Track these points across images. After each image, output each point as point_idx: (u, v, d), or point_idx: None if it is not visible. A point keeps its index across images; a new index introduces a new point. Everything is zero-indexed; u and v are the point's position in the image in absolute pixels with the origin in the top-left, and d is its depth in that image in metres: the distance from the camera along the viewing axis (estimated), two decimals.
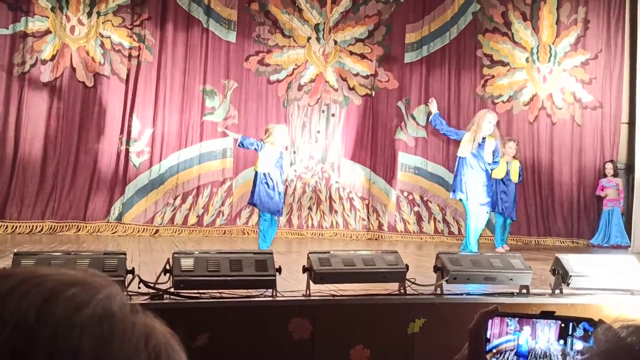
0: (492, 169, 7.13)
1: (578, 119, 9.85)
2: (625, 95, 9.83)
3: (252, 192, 6.39)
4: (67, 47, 8.25)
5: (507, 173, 7.98)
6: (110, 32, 8.42)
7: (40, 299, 0.52)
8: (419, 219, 9.33)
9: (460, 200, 7.14)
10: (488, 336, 0.93)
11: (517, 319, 1.01)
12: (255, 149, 6.44)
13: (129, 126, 8.40)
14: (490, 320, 0.92)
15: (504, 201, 7.93)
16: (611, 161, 9.58)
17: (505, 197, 7.95)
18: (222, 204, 8.69)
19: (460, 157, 7.05)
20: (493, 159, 7.05)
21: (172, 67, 8.62)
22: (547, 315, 1.00)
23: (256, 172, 6.40)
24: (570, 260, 3.85)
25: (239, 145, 6.79)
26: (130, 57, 8.49)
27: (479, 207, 6.90)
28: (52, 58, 8.17)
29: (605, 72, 9.87)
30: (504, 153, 7.73)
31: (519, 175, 8.19)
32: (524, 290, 3.77)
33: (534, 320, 1.03)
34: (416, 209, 9.35)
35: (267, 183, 6.26)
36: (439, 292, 3.65)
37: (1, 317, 0.51)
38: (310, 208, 9.03)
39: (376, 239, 9.03)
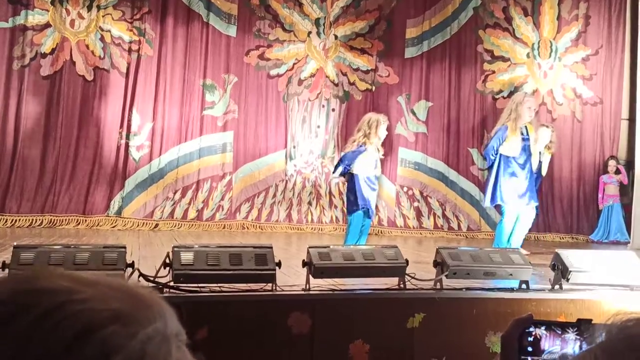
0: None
1: (578, 115, 9.84)
2: (626, 91, 9.82)
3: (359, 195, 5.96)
4: (67, 40, 8.23)
5: (539, 165, 7.05)
6: (110, 25, 8.40)
7: (73, 334, 0.49)
8: (419, 214, 9.33)
9: (499, 205, 6.09)
10: (526, 343, 0.91)
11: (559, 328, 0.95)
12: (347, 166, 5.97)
13: (129, 120, 8.39)
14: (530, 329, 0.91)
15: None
16: (614, 157, 9.56)
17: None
18: (222, 199, 8.69)
19: (502, 156, 5.84)
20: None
21: (172, 61, 8.61)
22: (585, 322, 0.94)
23: (356, 175, 5.99)
24: (570, 256, 3.85)
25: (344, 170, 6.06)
26: (130, 50, 8.47)
27: (524, 208, 5.87)
28: (52, 51, 8.15)
29: (606, 68, 9.85)
30: (535, 141, 6.81)
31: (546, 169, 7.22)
32: (524, 286, 3.76)
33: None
34: (416, 204, 9.35)
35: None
36: (438, 287, 3.65)
37: (30, 339, 0.49)
38: (310, 203, 9.03)
39: (376, 234, 9.03)
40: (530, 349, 0.90)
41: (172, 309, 0.59)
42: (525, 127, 5.86)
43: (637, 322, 0.73)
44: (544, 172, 7.06)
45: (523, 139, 5.80)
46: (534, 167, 6.66)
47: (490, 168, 5.90)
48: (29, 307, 0.51)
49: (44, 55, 8.12)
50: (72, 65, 8.23)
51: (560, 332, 0.92)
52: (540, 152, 6.81)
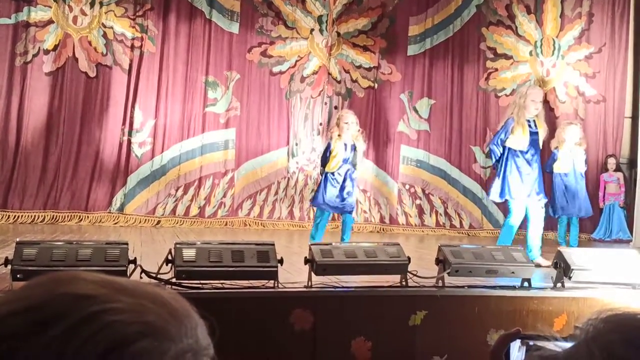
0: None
1: (581, 112, 9.82)
2: (629, 89, 9.79)
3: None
4: (70, 37, 8.23)
5: (573, 164, 6.88)
6: (113, 22, 8.40)
7: (105, 346, 0.49)
8: (421, 211, 9.33)
9: (506, 201, 5.89)
10: (511, 358, 0.91)
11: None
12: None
13: (131, 117, 8.40)
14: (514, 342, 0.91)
15: (566, 197, 6.91)
16: (613, 155, 9.55)
17: (567, 192, 6.90)
18: (224, 196, 8.70)
19: (511, 150, 5.65)
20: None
21: (174, 58, 8.61)
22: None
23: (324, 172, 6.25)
24: (573, 254, 3.85)
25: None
26: (132, 47, 8.47)
27: (531, 204, 5.66)
28: (55, 48, 8.16)
29: (609, 66, 9.82)
30: (564, 140, 6.68)
31: (585, 164, 7.15)
32: (526, 284, 3.77)
33: None
34: (418, 201, 9.34)
35: None
36: (440, 284, 3.65)
37: (63, 349, 0.48)
38: None
39: (378, 231, 9.03)
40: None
41: (203, 321, 0.59)
42: (534, 120, 5.64)
43: (623, 314, 0.74)
44: (581, 167, 6.98)
45: (531, 133, 5.58)
46: (569, 168, 6.68)
47: (498, 162, 5.74)
48: (63, 314, 0.50)
49: (46, 52, 8.12)
50: (75, 62, 8.24)
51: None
52: (570, 150, 6.87)
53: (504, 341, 0.91)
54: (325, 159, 6.19)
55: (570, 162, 6.91)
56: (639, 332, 0.71)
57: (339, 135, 6.10)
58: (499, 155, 5.69)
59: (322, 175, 6.28)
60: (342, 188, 6.06)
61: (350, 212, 6.25)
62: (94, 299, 0.51)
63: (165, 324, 0.52)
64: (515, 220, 5.66)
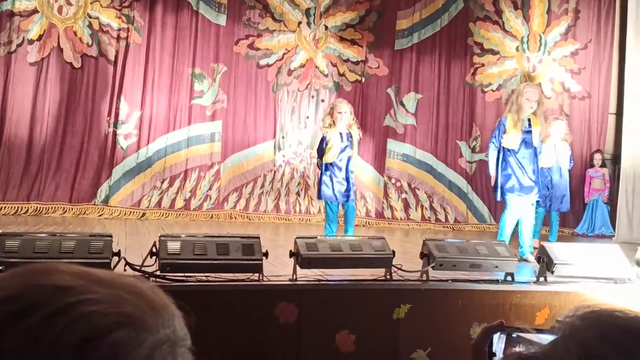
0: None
1: (566, 108, 9.89)
2: (614, 85, 9.88)
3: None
4: (55, 27, 8.15)
5: (557, 160, 6.97)
6: (99, 12, 8.32)
7: (81, 337, 0.48)
8: (407, 206, 9.36)
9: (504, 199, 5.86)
10: (494, 350, 0.92)
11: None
12: None
13: (117, 108, 8.34)
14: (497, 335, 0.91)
15: (549, 191, 6.94)
16: (599, 151, 9.64)
17: (549, 187, 6.91)
18: (210, 188, 8.67)
19: (505, 150, 5.64)
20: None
21: (160, 49, 8.55)
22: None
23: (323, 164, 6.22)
24: (555, 249, 3.89)
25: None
26: (118, 38, 8.40)
27: (523, 203, 5.65)
28: (39, 38, 8.07)
29: (594, 62, 9.90)
30: (549, 135, 6.64)
31: (570, 161, 7.22)
32: (509, 278, 3.80)
33: None
34: (404, 196, 9.37)
35: None
36: (424, 278, 3.67)
37: (38, 340, 0.48)
38: (298, 194, 9.03)
39: (363, 225, 9.05)
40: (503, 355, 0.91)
41: (181, 313, 0.59)
42: (529, 119, 5.62)
43: (600, 311, 0.75)
44: (565, 163, 7.01)
45: (524, 132, 5.57)
46: (552, 162, 6.64)
47: (497, 164, 5.70)
48: (39, 305, 0.50)
49: (31, 42, 8.03)
50: (60, 52, 8.15)
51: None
52: (554, 145, 6.88)
53: (486, 333, 0.91)
54: (321, 150, 6.16)
55: (554, 157, 6.94)
56: (616, 328, 0.71)
57: (333, 125, 6.08)
58: (496, 156, 5.65)
59: (320, 168, 6.23)
60: (344, 178, 6.06)
61: (352, 201, 6.24)
62: (71, 290, 0.51)
63: (142, 315, 0.52)
64: (510, 216, 5.62)
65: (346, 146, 6.08)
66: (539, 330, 0.93)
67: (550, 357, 0.73)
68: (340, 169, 6.05)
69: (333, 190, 6.04)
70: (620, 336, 0.70)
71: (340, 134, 6.08)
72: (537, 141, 5.66)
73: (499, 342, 0.92)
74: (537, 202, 6.57)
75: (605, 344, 0.69)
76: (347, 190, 6.07)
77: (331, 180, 6.04)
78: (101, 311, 0.50)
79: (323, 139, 6.17)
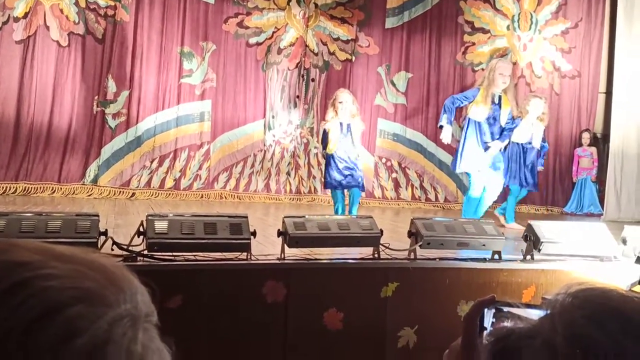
0: (509, 135, 5.84)
1: (557, 87, 9.89)
2: (604, 64, 9.88)
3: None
4: (41, 4, 8.03)
5: (531, 137, 6.86)
6: None
7: (37, 312, 0.48)
8: (397, 185, 9.38)
9: (467, 174, 5.99)
10: (485, 324, 0.92)
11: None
12: None
13: (105, 87, 8.26)
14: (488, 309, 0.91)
15: (521, 170, 6.89)
16: (587, 130, 9.67)
17: (523, 165, 6.89)
18: (200, 168, 8.65)
19: (470, 120, 5.66)
20: (505, 125, 5.69)
21: (149, 27, 8.45)
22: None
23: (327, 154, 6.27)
24: (542, 227, 3.91)
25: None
26: (106, 16, 8.29)
27: (488, 176, 5.70)
28: (25, 16, 7.95)
29: (585, 41, 9.88)
30: (527, 112, 6.60)
31: (543, 140, 7.14)
32: (496, 256, 3.82)
33: None
34: (394, 175, 9.39)
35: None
36: (412, 256, 3.68)
37: None
38: (288, 173, 9.02)
39: None
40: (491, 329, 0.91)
41: (145, 288, 0.58)
42: (499, 96, 5.61)
43: (592, 290, 0.73)
44: (536, 143, 6.96)
45: (493, 107, 5.56)
46: (526, 139, 6.59)
47: (462, 133, 5.78)
48: None
49: (16, 20, 7.92)
50: (46, 30, 8.05)
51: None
52: (532, 124, 6.81)
53: (478, 307, 0.91)
54: (325, 141, 6.19)
55: (529, 134, 6.85)
56: (605, 310, 0.70)
57: (335, 115, 6.05)
58: (452, 117, 5.74)
59: (325, 158, 6.33)
60: (346, 167, 6.07)
61: (359, 186, 6.21)
62: (28, 266, 0.51)
63: (102, 290, 0.51)
64: (475, 192, 5.69)
65: (345, 136, 6.07)
66: (530, 306, 0.93)
67: (535, 333, 0.72)
68: (342, 159, 6.05)
69: (336, 179, 6.07)
70: (608, 318, 0.69)
71: (341, 124, 6.07)
72: (504, 121, 5.62)
73: (489, 317, 0.93)
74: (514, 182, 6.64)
75: (593, 325, 0.68)
76: (351, 177, 6.07)
77: (334, 170, 6.07)
78: (59, 286, 0.50)
79: (324, 131, 6.18)
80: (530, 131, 6.83)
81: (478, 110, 5.59)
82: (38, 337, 0.48)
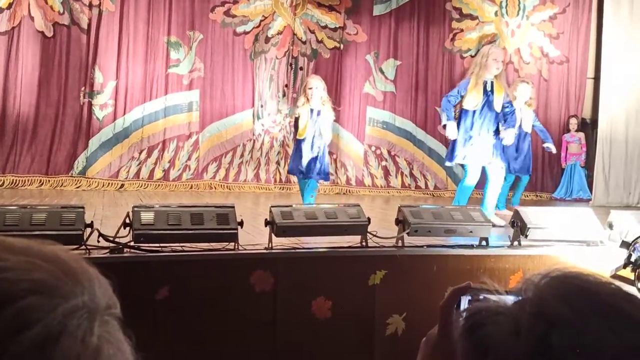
0: (513, 120, 5.69)
1: (545, 73, 9.91)
2: (592, 50, 9.89)
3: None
4: None
5: (520, 122, 6.81)
6: None
7: None
8: (387, 173, 9.38)
9: (462, 166, 5.82)
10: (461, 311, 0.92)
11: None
12: None
13: (91, 78, 8.19)
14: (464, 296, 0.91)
15: (515, 157, 6.95)
16: (574, 116, 9.71)
17: (515, 152, 6.90)
18: (189, 159, 8.61)
19: (464, 111, 5.57)
20: (503, 110, 5.58)
21: (135, 17, 8.37)
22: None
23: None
24: (529, 213, 3.93)
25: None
26: (91, 6, 8.21)
27: (490, 167, 5.57)
28: (9, 6, 7.86)
29: (573, 26, 9.89)
30: (514, 98, 6.50)
31: (535, 126, 7.16)
32: (483, 243, 3.83)
33: None
34: (384, 163, 9.39)
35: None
36: (400, 244, 3.69)
37: None
38: (278, 163, 9.00)
39: (344, 193, 9.07)
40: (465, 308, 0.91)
41: (106, 281, 0.57)
42: (491, 82, 5.55)
43: (568, 273, 0.73)
44: (527, 127, 6.95)
45: (485, 94, 5.47)
46: (517, 124, 6.40)
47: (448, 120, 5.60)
48: None
49: (0, 10, 7.82)
50: (31, 21, 7.96)
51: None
52: (520, 109, 6.74)
53: (454, 295, 0.91)
54: (295, 126, 6.22)
55: (518, 119, 6.86)
56: (576, 289, 0.70)
57: (307, 102, 6.06)
58: (452, 113, 5.57)
59: (294, 144, 6.36)
60: (311, 156, 6.04)
61: (323, 178, 6.20)
62: None
63: (56, 282, 0.51)
64: (470, 181, 5.58)
65: (315, 122, 6.04)
66: (507, 292, 0.93)
67: (504, 309, 0.72)
68: (308, 145, 6.04)
69: (298, 165, 6.08)
70: (577, 296, 0.69)
71: (312, 110, 6.05)
72: (499, 107, 5.55)
73: (465, 304, 0.93)
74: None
75: (561, 302, 0.68)
76: (314, 166, 6.04)
77: (297, 155, 6.10)
78: (11, 278, 0.49)
79: (296, 116, 6.21)
80: (519, 116, 6.77)
81: (470, 99, 5.50)
82: None
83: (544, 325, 0.66)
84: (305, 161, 6.03)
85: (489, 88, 5.52)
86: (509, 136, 5.58)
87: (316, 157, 6.05)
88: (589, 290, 0.69)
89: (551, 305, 0.68)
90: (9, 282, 0.49)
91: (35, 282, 0.50)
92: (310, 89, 6.06)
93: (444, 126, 5.78)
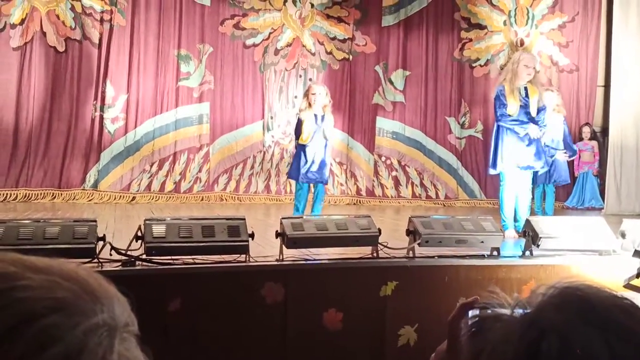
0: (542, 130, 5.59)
1: (555, 82, 9.87)
2: (601, 58, 9.86)
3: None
4: (37, 10, 8.04)
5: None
6: None
7: (12, 323, 0.48)
8: (397, 183, 9.37)
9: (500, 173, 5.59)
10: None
11: None
12: None
13: (103, 92, 8.27)
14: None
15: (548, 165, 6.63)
16: (587, 124, 9.66)
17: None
18: (200, 171, 8.65)
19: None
20: (537, 118, 5.47)
21: (145, 31, 8.46)
22: None
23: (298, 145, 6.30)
24: (541, 222, 3.91)
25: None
26: (102, 21, 8.31)
27: (519, 175, 5.46)
28: (22, 22, 7.97)
29: (582, 35, 9.87)
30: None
31: (565, 132, 7.04)
32: (495, 253, 3.82)
33: None
34: (394, 173, 9.38)
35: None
36: (411, 255, 3.69)
37: None
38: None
39: (354, 203, 9.07)
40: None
41: (124, 298, 0.58)
42: (525, 88, 5.42)
43: (571, 283, 0.74)
44: (558, 136, 6.89)
45: (521, 100, 5.38)
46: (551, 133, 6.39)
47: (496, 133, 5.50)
48: None
49: (13, 26, 7.93)
50: (43, 36, 8.06)
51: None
52: (548, 117, 6.45)
53: (462, 310, 0.92)
54: (298, 131, 6.21)
55: (549, 128, 6.84)
56: (573, 298, 0.70)
57: (309, 107, 6.11)
58: (512, 122, 5.41)
59: (296, 149, 6.33)
60: (315, 159, 6.08)
61: (324, 183, 6.28)
62: (3, 277, 0.51)
63: (77, 300, 0.52)
64: (508, 190, 5.45)
65: (318, 128, 6.09)
66: (516, 306, 0.93)
67: (500, 319, 0.73)
68: (310, 151, 6.07)
69: (302, 172, 6.09)
70: (571, 304, 0.69)
71: (315, 115, 6.10)
72: (534, 111, 5.48)
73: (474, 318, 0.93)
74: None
75: (555, 309, 0.68)
76: (318, 172, 6.09)
77: (299, 161, 6.11)
78: (34, 297, 0.50)
79: (299, 121, 6.21)
80: (552, 123, 6.70)
81: (509, 107, 5.39)
82: (10, 347, 0.48)
83: (535, 332, 0.67)
84: (309, 167, 6.05)
85: (523, 94, 5.44)
86: (532, 130, 5.44)
87: (322, 162, 6.10)
88: (587, 300, 0.70)
89: (546, 314, 0.69)
90: (32, 300, 0.50)
91: (57, 300, 0.51)
92: (314, 94, 6.12)
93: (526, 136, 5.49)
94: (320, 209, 6.18)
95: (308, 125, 6.07)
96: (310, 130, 6.06)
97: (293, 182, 8.95)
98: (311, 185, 6.22)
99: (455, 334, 0.90)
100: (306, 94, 6.25)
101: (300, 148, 6.15)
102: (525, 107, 5.43)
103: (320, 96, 6.11)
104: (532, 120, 5.48)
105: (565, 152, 7.21)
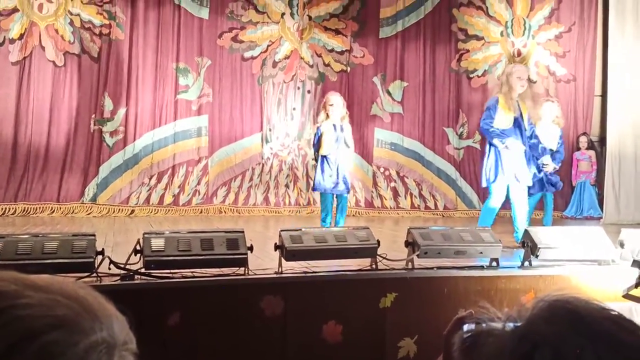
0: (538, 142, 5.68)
1: (552, 92, 9.91)
2: (598, 67, 9.91)
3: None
4: (36, 25, 8.08)
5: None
6: (80, 9, 8.26)
7: (13, 340, 0.49)
8: (396, 194, 9.38)
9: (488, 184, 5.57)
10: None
11: None
12: None
13: (102, 106, 8.29)
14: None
15: (541, 175, 6.77)
16: (585, 134, 9.69)
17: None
18: (198, 183, 8.66)
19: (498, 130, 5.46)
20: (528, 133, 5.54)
21: (144, 45, 8.49)
22: None
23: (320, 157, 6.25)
24: (539, 233, 3.91)
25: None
26: (101, 35, 8.34)
27: (513, 187, 5.44)
28: (21, 37, 8.00)
29: (579, 45, 9.92)
30: (540, 117, 6.40)
31: (558, 144, 7.05)
32: (494, 263, 3.82)
33: None
34: (393, 184, 9.39)
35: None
36: (410, 266, 3.68)
37: None
38: (287, 186, 9.03)
39: (353, 215, 9.07)
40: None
41: (123, 317, 0.59)
42: (517, 101, 5.43)
43: (561, 296, 0.75)
44: (553, 146, 6.89)
45: (515, 113, 5.40)
46: (546, 144, 6.50)
47: (491, 143, 5.48)
48: None
49: (12, 41, 7.96)
50: (42, 51, 8.09)
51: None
52: (546, 128, 6.70)
53: (457, 324, 0.92)
54: (318, 143, 6.23)
55: (546, 139, 6.83)
56: (562, 311, 0.71)
57: (327, 118, 6.15)
58: (496, 137, 5.40)
59: (316, 161, 6.35)
60: (339, 170, 6.13)
61: (347, 191, 6.33)
62: (4, 295, 0.52)
63: (77, 318, 0.53)
64: (494, 202, 5.45)
65: (338, 138, 6.14)
66: (510, 319, 0.94)
67: (493, 333, 0.74)
68: (333, 161, 6.11)
69: (326, 183, 6.11)
70: (561, 317, 0.70)
71: (334, 125, 6.13)
72: (527, 124, 5.51)
73: (468, 332, 0.93)
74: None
75: (545, 322, 0.70)
76: (343, 182, 6.14)
77: (324, 172, 6.12)
78: (34, 314, 0.51)
79: (317, 132, 6.24)
80: (546, 136, 6.75)
81: (502, 119, 5.40)
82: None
83: (528, 345, 0.68)
84: (332, 178, 6.10)
85: (517, 107, 5.46)
86: (547, 161, 5.52)
87: (345, 172, 6.17)
88: (576, 312, 0.71)
89: (537, 327, 0.70)
90: (34, 318, 0.51)
91: (58, 318, 0.52)
92: (332, 105, 6.15)
93: (506, 147, 5.46)
94: (343, 221, 6.19)
95: (328, 136, 6.11)
96: (330, 142, 6.10)
97: (293, 196, 9.01)
98: (334, 195, 6.25)
99: (450, 348, 0.91)
100: (324, 106, 6.27)
101: (323, 159, 6.17)
102: (518, 121, 5.44)
103: (337, 107, 6.16)
104: (522, 134, 5.48)
105: (549, 163, 6.91)
